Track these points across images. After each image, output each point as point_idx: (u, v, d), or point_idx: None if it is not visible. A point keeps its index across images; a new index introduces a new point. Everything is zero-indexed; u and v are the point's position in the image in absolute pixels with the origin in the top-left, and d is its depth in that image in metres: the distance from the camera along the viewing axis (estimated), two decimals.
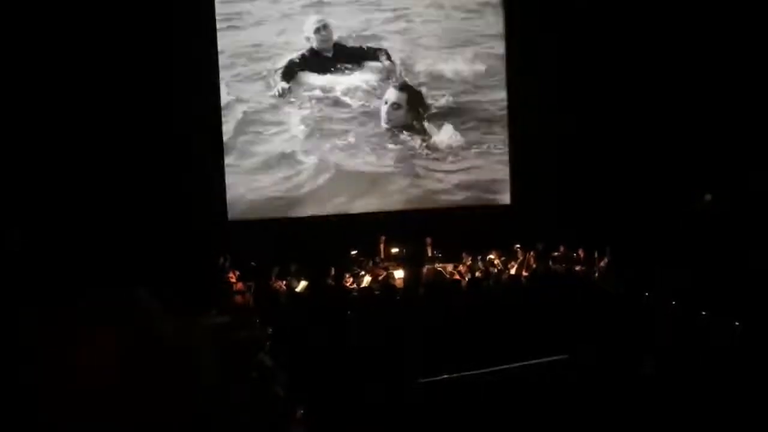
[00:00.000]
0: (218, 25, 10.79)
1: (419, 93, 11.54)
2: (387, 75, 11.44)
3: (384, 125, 11.41)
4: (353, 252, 9.99)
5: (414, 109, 11.54)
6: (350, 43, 11.32)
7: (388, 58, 11.43)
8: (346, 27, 11.31)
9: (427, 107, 11.57)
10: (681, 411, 4.57)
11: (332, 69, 11.23)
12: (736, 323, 6.42)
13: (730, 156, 10.08)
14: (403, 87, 11.51)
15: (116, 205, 9.39)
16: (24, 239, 7.82)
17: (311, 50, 11.19)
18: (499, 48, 11.70)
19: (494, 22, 11.73)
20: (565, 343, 6.22)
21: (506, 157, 11.73)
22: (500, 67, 11.70)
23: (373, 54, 11.40)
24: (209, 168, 10.64)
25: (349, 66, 11.30)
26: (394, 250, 10.28)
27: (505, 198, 11.78)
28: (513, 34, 11.59)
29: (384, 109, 11.38)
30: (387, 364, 5.99)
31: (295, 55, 11.12)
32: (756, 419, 4.31)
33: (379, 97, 11.41)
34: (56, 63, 9.32)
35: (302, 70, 11.14)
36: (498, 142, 11.75)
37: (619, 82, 10.73)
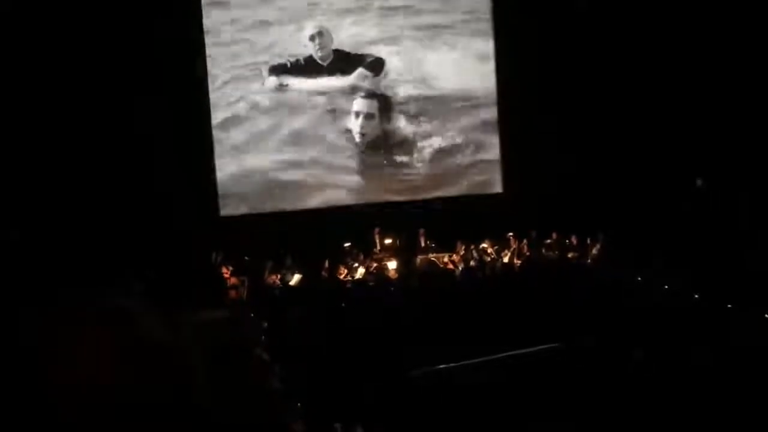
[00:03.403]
0: (205, 14, 10.65)
1: (386, 97, 11.12)
2: (374, 81, 11.10)
3: (358, 140, 11.02)
4: (347, 244, 9.98)
5: (387, 115, 11.18)
6: (348, 51, 10.99)
7: (379, 64, 11.09)
8: (343, 34, 11.02)
9: (399, 108, 11.21)
10: (671, 397, 4.61)
11: (324, 75, 10.90)
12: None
13: (721, 142, 10.12)
14: (372, 95, 11.07)
15: (107, 202, 9.33)
16: (22, 239, 7.78)
17: (308, 57, 10.88)
18: (489, 36, 11.65)
19: (483, 9, 11.67)
20: (559, 330, 6.27)
21: (497, 146, 11.72)
22: (490, 55, 11.65)
23: (367, 62, 11.07)
24: (200, 164, 10.59)
25: (342, 72, 10.99)
26: (388, 241, 10.29)
27: (497, 187, 11.78)
28: (502, 22, 11.55)
29: (358, 122, 10.99)
30: (382, 354, 6.02)
31: (289, 59, 10.84)
32: (748, 406, 4.35)
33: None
34: (41, 62, 9.23)
35: (293, 73, 10.84)
36: (489, 131, 11.72)
37: (609, 70, 10.73)
